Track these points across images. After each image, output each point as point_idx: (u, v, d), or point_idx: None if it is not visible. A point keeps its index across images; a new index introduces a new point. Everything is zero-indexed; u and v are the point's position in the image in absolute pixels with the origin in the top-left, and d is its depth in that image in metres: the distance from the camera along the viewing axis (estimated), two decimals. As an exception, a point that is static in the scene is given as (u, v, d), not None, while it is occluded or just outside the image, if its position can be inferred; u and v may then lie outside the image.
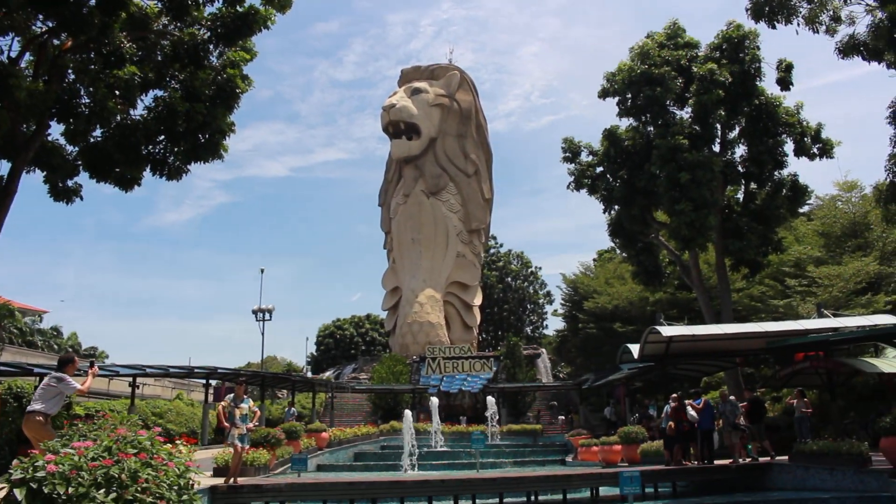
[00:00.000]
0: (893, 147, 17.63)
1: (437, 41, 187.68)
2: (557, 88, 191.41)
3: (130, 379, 27.07)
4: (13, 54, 16.97)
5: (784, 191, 30.19)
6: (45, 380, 9.22)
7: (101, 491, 5.26)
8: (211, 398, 32.65)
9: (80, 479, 5.28)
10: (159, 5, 18.52)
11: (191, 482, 6.14)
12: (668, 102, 29.94)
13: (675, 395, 18.96)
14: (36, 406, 8.84)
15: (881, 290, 31.77)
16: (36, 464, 5.38)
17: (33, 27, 17.21)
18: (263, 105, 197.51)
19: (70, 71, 18.31)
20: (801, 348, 20.98)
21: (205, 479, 13.34)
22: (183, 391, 43.88)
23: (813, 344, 20.18)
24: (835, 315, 25.02)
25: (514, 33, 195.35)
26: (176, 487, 5.82)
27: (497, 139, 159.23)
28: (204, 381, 31.77)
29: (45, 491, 5.18)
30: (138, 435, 6.11)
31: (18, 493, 5.14)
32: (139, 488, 5.38)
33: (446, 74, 56.67)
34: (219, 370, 29.17)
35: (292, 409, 29.39)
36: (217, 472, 14.95)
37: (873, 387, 24.33)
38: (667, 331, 21.22)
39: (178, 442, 9.47)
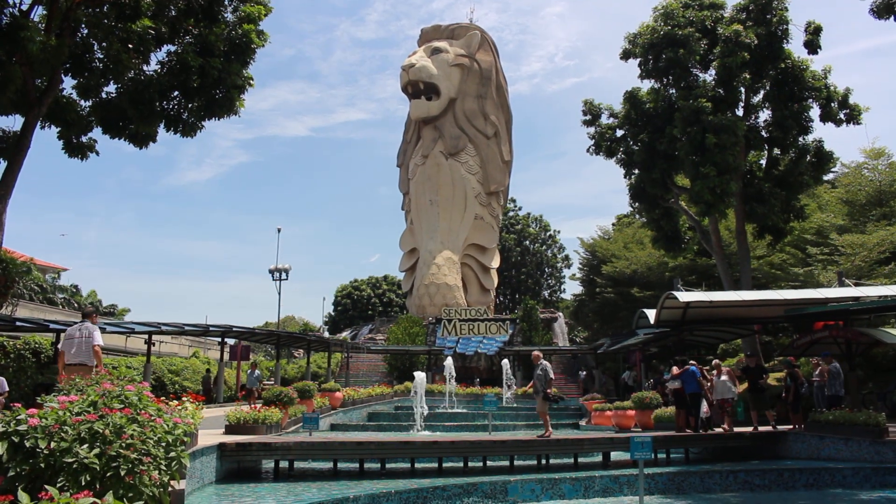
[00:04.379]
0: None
1: (459, 0, 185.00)
2: (582, 50, 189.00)
3: (146, 336, 27.19)
4: (24, 7, 16.75)
5: (808, 157, 29.59)
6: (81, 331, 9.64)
7: (85, 446, 5.13)
8: (227, 356, 32.82)
9: (62, 434, 5.15)
10: None
11: (180, 439, 6.00)
12: (690, 64, 29.15)
13: (677, 358, 18.82)
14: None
15: (905, 261, 31.18)
16: (18, 417, 5.25)
17: None
18: (284, 64, 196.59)
19: (83, 25, 18.10)
20: (820, 317, 20.62)
21: (214, 437, 13.34)
22: (199, 349, 44.25)
23: (832, 313, 19.82)
24: (856, 284, 24.59)
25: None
26: (164, 444, 5.68)
27: (519, 101, 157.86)
28: (220, 340, 31.92)
29: (27, 445, 5.06)
30: (125, 390, 5.97)
31: (0, 447, 5.02)
32: (123, 444, 5.23)
33: (467, 34, 55.87)
34: (234, 328, 29.25)
35: (256, 371, 28.33)
36: (229, 430, 14.97)
37: (893, 358, 23.99)
38: (684, 296, 20.95)
39: (184, 399, 9.39)
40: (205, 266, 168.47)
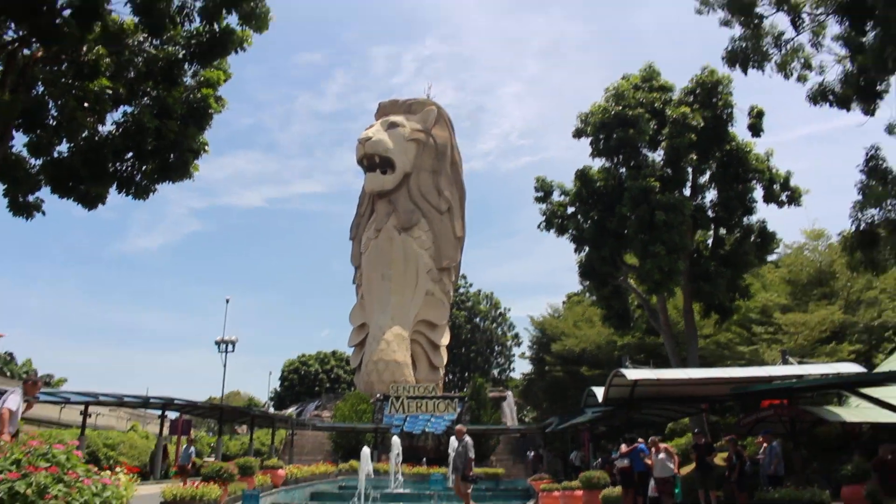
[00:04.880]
0: (860, 194, 17.67)
1: (418, 77, 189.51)
2: (536, 130, 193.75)
3: (82, 407, 26.14)
4: None
5: (753, 237, 30.37)
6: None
7: (4, 508, 4.77)
8: (167, 431, 31.68)
9: (-22, 495, 4.79)
10: (136, 20, 18.18)
11: (109, 502, 5.62)
12: (640, 144, 29.98)
13: (626, 436, 18.67)
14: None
15: (845, 339, 31.87)
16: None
17: (4, 35, 16.78)
18: (242, 133, 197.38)
19: (40, 82, 17.87)
20: (765, 395, 20.73)
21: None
22: (138, 423, 42.74)
23: (777, 391, 19.93)
24: (800, 363, 24.92)
25: (496, 73, 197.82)
26: None
27: (474, 178, 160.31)
28: (160, 413, 30.85)
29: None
30: (52, 448, 5.61)
31: None
32: (46, 505, 4.88)
33: (423, 109, 56.66)
34: (175, 401, 28.30)
35: (191, 447, 26.88)
36: (164, 506, 14.29)
37: (837, 437, 24.15)
38: (632, 374, 20.89)
39: (118, 469, 8.89)
40: (149, 337, 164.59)
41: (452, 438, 33.88)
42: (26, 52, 17.32)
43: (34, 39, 16.35)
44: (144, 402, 28.49)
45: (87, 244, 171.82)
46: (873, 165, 17.83)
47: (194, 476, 19.82)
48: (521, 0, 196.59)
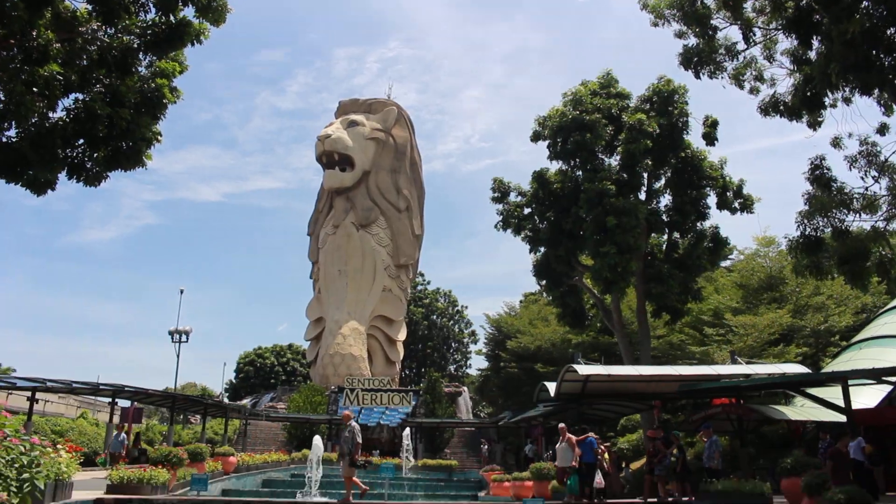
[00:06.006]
0: (806, 203, 18.25)
1: (381, 78, 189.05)
2: (497, 133, 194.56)
3: (29, 393, 25.81)
4: None
5: (706, 242, 31.06)
6: None
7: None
8: (117, 418, 31.38)
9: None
10: (89, 8, 18.07)
11: (36, 461, 5.65)
12: (597, 149, 30.50)
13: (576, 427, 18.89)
14: None
15: (793, 342, 32.79)
16: None
17: None
18: (200, 128, 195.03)
19: None
20: (712, 393, 21.37)
21: (93, 494, 12.75)
22: (88, 411, 42.22)
23: (725, 389, 20.57)
24: (748, 363, 25.66)
25: (459, 77, 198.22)
26: (17, 465, 5.36)
27: (435, 179, 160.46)
28: (110, 400, 30.54)
29: None
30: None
31: None
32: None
33: (384, 109, 56.80)
34: (127, 388, 28.02)
35: (122, 434, 26.56)
36: (111, 490, 14.31)
37: (783, 435, 24.93)
38: (584, 369, 21.40)
39: (59, 446, 8.94)
40: (102, 329, 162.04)
41: (406, 431, 34.30)
42: None
43: None
44: (94, 389, 28.07)
45: (39, 235, 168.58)
46: (818, 174, 18.40)
47: (133, 464, 19.71)
48: (487, 8, 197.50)
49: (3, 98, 17.90)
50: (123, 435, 26.97)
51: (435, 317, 73.59)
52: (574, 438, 17.49)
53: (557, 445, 17.59)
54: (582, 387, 22.04)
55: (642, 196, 31.17)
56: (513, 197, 34.03)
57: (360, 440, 15.75)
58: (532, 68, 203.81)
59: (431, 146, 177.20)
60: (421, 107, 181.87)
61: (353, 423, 15.87)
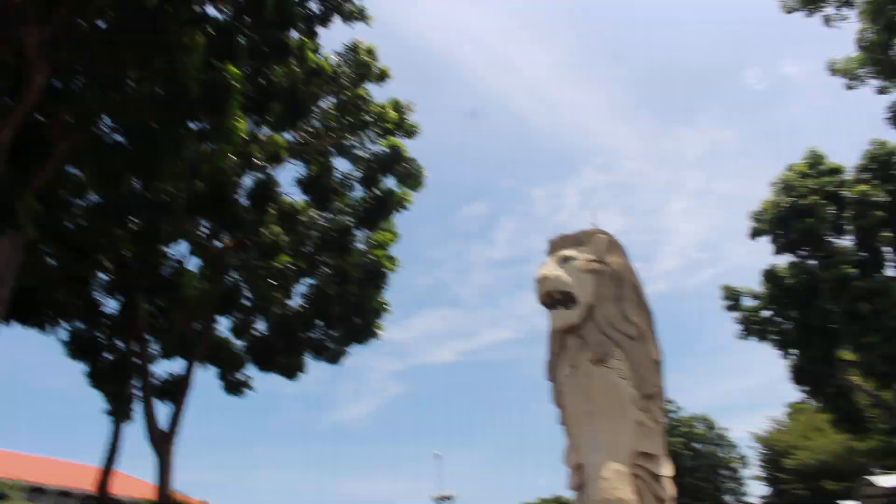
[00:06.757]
0: None
1: (582, 209, 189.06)
2: (713, 241, 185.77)
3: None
4: (180, 258, 18.52)
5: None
6: None
7: None
8: None
9: None
10: (306, 198, 19.89)
11: None
12: (823, 232, 28.35)
13: None
14: None
15: None
16: None
17: (197, 232, 18.83)
18: (423, 291, 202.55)
19: (231, 268, 19.66)
20: None
21: None
22: None
23: None
24: None
25: (659, 191, 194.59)
26: None
27: (660, 300, 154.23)
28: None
29: None
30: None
31: None
32: None
33: (592, 238, 56.41)
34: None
35: None
36: None
37: None
38: (884, 481, 18.47)
39: None
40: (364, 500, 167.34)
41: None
42: (217, 244, 19.26)
43: (221, 229, 18.29)
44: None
45: (302, 419, 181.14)
46: None
47: None
48: (667, 117, 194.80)
49: (251, 296, 19.84)
50: None
51: (696, 444, 68.91)
52: None
53: None
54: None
55: (890, 272, 27.91)
56: (746, 301, 31.74)
57: None
58: (728, 166, 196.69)
59: (649, 266, 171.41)
60: (629, 230, 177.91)
61: None
